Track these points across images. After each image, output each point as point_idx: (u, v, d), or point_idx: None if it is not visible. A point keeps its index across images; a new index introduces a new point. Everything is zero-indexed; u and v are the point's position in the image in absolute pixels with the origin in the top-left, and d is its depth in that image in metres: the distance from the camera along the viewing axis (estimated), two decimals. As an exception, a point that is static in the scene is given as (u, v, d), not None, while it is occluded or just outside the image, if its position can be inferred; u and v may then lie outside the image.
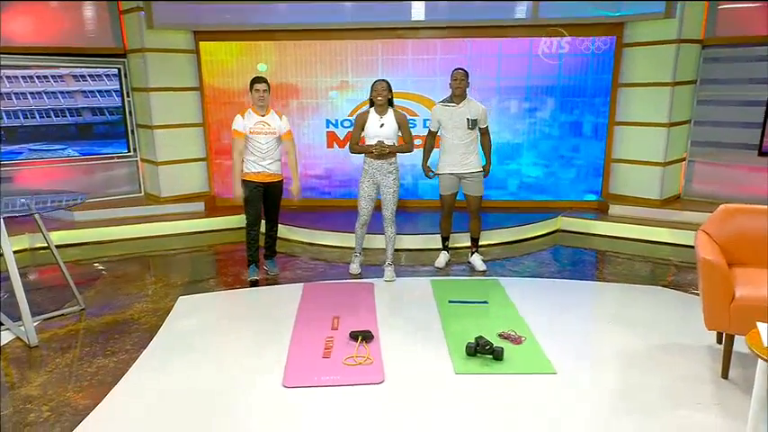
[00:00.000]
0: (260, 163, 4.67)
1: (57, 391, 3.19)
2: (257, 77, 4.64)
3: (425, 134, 5.24)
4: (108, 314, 4.27)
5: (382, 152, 4.61)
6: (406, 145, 4.75)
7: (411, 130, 4.87)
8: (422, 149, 5.11)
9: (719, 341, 3.64)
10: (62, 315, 4.21)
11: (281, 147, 4.79)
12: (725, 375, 3.25)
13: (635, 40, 6.20)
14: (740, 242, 3.61)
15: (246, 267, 4.94)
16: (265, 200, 4.82)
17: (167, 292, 4.69)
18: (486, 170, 5.05)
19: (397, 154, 4.75)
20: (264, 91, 4.58)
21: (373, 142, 4.63)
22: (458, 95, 4.78)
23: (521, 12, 6.10)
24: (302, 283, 4.82)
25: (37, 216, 4.09)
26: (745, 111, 6.01)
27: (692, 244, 5.50)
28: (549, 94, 6.55)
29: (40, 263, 5.51)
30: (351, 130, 6.60)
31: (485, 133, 4.99)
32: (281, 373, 3.33)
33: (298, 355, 3.56)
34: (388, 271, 4.90)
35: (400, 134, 4.73)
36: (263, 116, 4.64)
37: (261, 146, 4.64)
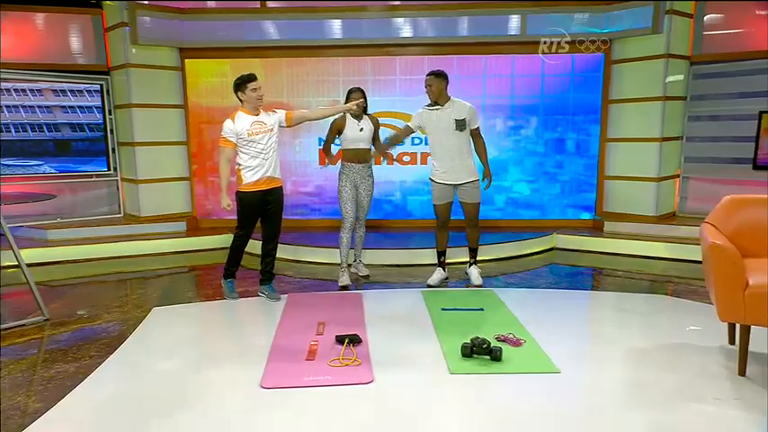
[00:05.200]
0: (263, 167, 4.16)
1: (6, 395, 2.88)
2: (247, 76, 4.16)
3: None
4: (74, 324, 3.96)
5: (357, 111, 4.59)
6: (378, 143, 4.89)
7: None
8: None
9: (732, 341, 3.41)
10: (23, 326, 3.89)
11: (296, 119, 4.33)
12: (742, 372, 3.01)
13: (623, 57, 6.20)
14: (748, 233, 3.40)
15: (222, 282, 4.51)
16: (265, 211, 4.29)
17: (141, 304, 4.40)
18: (486, 176, 4.64)
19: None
20: (260, 89, 4.17)
21: (353, 147, 4.72)
22: (433, 101, 4.54)
23: (510, 28, 6.11)
24: (286, 295, 4.54)
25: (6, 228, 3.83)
26: (736, 125, 5.96)
27: (692, 259, 5.46)
28: (534, 113, 6.51)
29: (5, 281, 5.17)
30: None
31: (477, 135, 4.63)
32: (260, 375, 3.05)
33: (279, 358, 3.28)
34: (362, 266, 5.11)
35: None
36: (257, 116, 4.19)
37: (262, 146, 4.14)
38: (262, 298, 4.46)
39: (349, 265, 4.99)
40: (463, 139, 4.58)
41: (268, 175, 4.21)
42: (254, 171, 4.17)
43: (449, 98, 4.55)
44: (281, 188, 4.36)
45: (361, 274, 5.09)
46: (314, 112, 4.56)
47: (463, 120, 4.52)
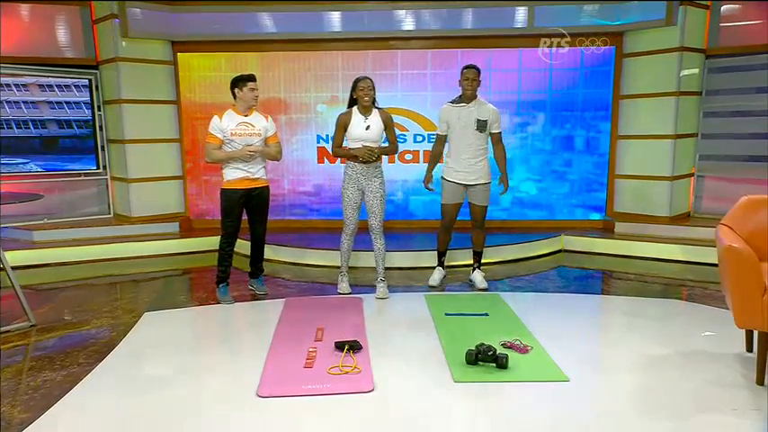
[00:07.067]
0: (242, 168, 4.18)
1: (-10, 405, 2.76)
2: (248, 75, 4.17)
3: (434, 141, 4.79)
4: (62, 330, 3.84)
5: (369, 158, 4.29)
6: (392, 145, 4.51)
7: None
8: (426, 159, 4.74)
9: (749, 349, 3.29)
10: (8, 332, 3.75)
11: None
12: (760, 381, 2.91)
13: (635, 50, 6.05)
14: (766, 235, 3.27)
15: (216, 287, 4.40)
16: (249, 210, 4.32)
17: (132, 309, 4.27)
18: (503, 182, 4.59)
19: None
20: (257, 90, 4.18)
21: (358, 146, 4.32)
22: (468, 96, 4.43)
23: (516, 21, 5.97)
24: (284, 299, 4.41)
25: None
26: (753, 122, 5.82)
27: (707, 261, 5.32)
28: (541, 109, 6.36)
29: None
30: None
31: (497, 141, 4.55)
32: (256, 383, 2.94)
33: (276, 366, 3.18)
34: (381, 287, 4.46)
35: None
36: (246, 116, 4.19)
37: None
38: (257, 302, 4.38)
39: (351, 268, 4.80)
40: (481, 141, 4.49)
41: (248, 176, 4.24)
42: (232, 170, 4.21)
43: (476, 97, 4.47)
44: (266, 188, 4.36)
45: (377, 295, 4.45)
46: (272, 151, 4.34)
47: (485, 121, 4.44)
